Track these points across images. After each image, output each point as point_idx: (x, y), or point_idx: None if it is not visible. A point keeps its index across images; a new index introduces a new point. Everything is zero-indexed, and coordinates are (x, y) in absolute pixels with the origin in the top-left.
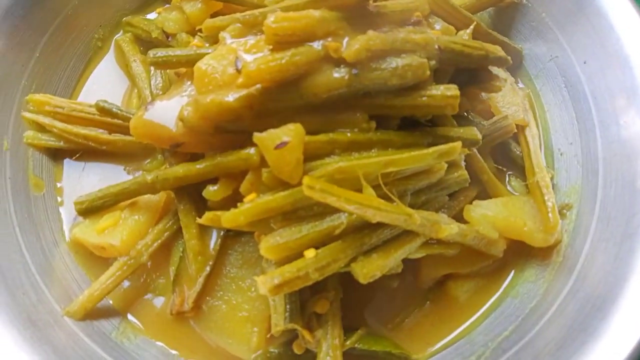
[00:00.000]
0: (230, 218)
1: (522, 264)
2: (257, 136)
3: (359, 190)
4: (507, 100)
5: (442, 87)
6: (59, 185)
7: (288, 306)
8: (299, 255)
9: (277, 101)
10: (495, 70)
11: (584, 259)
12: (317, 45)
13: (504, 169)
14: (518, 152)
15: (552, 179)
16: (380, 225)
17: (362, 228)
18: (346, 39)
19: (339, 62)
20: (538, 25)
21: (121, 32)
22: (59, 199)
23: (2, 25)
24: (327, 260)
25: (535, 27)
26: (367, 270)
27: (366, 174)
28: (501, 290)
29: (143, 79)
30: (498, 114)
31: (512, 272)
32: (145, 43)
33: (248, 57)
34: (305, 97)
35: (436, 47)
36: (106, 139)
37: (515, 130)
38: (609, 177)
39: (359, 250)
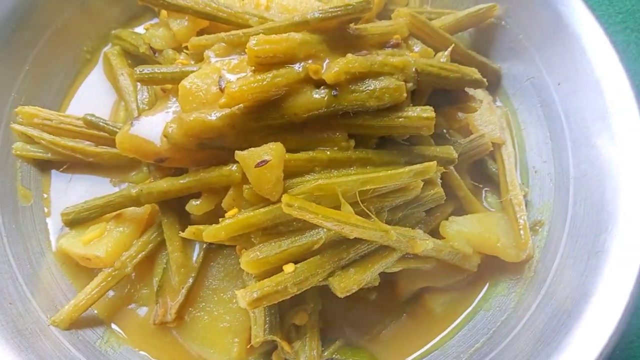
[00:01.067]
0: (211, 233)
1: (496, 278)
2: (238, 154)
3: (338, 207)
4: (485, 119)
5: (418, 108)
6: (46, 196)
7: (268, 318)
8: (279, 269)
9: (258, 120)
10: (473, 89)
11: (553, 274)
12: (298, 67)
13: (480, 186)
14: (494, 170)
15: (525, 196)
16: (357, 241)
17: (340, 243)
18: (326, 61)
19: (319, 83)
20: (516, 46)
21: (110, 44)
22: (46, 210)
23: None
24: (305, 275)
25: (513, 47)
26: (345, 285)
27: (344, 192)
28: (475, 303)
29: (130, 93)
30: (476, 132)
31: (486, 285)
32: (133, 56)
33: (231, 77)
34: (286, 117)
35: (413, 70)
36: (93, 151)
37: (492, 148)
38: (579, 195)
39: (336, 265)
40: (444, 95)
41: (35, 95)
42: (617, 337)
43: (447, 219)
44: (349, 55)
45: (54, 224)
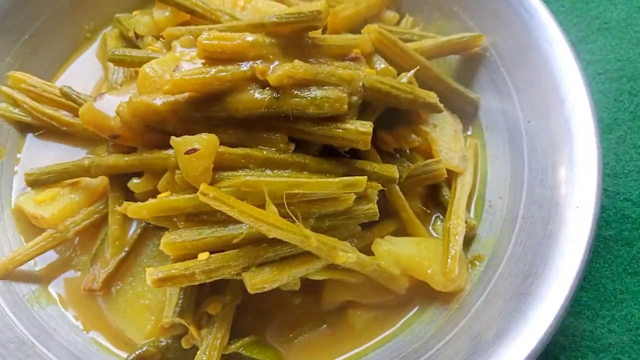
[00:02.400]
0: (134, 210)
1: (426, 305)
2: (173, 140)
3: (263, 206)
4: (447, 146)
5: (358, 122)
6: (19, 156)
7: (181, 301)
8: (195, 256)
9: (200, 110)
10: (443, 115)
11: (475, 310)
12: (245, 65)
13: (428, 211)
14: (447, 197)
15: (473, 229)
16: (279, 242)
17: (262, 242)
18: (275, 64)
19: (264, 84)
20: (496, 79)
21: (110, 27)
22: (16, 169)
23: None
24: (216, 265)
25: (494, 79)
26: (256, 281)
27: (271, 192)
28: (397, 326)
29: (112, 73)
30: (436, 157)
31: (415, 310)
32: (127, 40)
33: (187, 67)
34: (227, 111)
35: (360, 84)
36: (67, 121)
37: (446, 176)
38: (521, 236)
39: (252, 261)
40: (397, 115)
41: (30, 64)
42: None
43: (384, 237)
44: (296, 61)
45: (19, 183)
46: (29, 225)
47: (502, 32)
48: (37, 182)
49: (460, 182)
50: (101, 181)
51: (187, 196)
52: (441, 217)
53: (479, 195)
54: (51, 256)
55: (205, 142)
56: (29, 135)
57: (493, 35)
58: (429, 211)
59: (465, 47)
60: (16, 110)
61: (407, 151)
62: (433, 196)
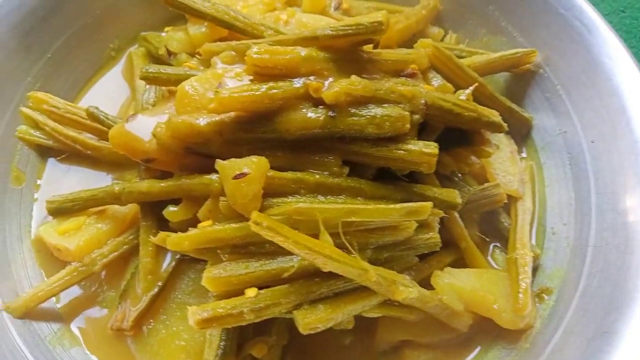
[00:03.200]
0: (175, 241)
1: (489, 344)
2: (219, 163)
3: (317, 235)
4: (504, 168)
5: (421, 143)
6: (39, 182)
7: (223, 343)
8: (241, 292)
9: (248, 131)
10: (497, 136)
11: (551, 350)
12: (298, 82)
13: (488, 240)
14: (506, 224)
15: (537, 258)
16: (333, 276)
17: (314, 276)
18: (330, 80)
19: (318, 102)
20: (552, 97)
21: (136, 45)
22: (36, 196)
23: (20, 25)
24: (266, 303)
25: (548, 98)
26: (309, 321)
27: (326, 220)
28: None
29: (142, 93)
30: (492, 180)
31: (477, 350)
32: (155, 59)
33: (231, 84)
34: (277, 132)
35: (423, 101)
36: (92, 145)
37: (506, 201)
38: (595, 266)
39: (305, 298)
40: (457, 134)
41: (52, 83)
42: None
43: (442, 269)
44: (354, 77)
45: (39, 211)
46: (51, 258)
47: (556, 48)
48: (60, 210)
49: (521, 207)
50: (130, 209)
51: (234, 225)
52: (499, 245)
53: (539, 221)
54: (75, 292)
55: (255, 166)
56: (50, 160)
57: (546, 51)
58: (488, 239)
59: (517, 63)
60: (37, 133)
61: (460, 175)
62: (489, 223)
